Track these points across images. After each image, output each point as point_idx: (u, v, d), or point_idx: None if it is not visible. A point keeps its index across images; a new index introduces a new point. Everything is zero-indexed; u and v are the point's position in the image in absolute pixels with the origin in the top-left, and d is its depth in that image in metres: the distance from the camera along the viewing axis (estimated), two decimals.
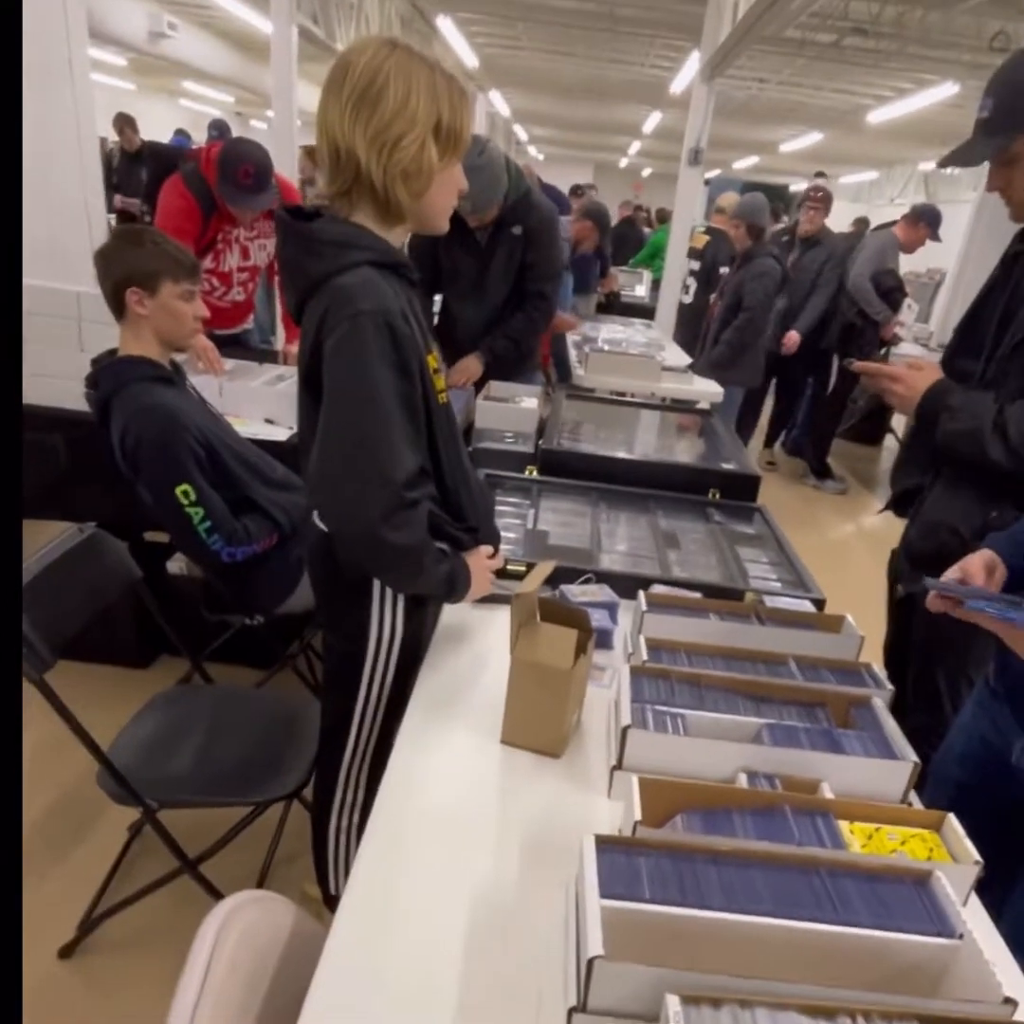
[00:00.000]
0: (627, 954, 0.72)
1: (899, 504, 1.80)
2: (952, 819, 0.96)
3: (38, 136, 3.27)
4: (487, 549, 1.45)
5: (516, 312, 2.86)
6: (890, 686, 1.25)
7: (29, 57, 3.18)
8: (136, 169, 6.91)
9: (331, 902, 1.60)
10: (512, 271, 2.80)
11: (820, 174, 6.55)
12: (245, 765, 1.64)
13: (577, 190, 7.93)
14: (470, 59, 9.34)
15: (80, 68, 3.47)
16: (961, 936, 0.79)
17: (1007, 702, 1.21)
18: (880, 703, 1.19)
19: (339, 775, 1.48)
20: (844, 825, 0.96)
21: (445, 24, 7.94)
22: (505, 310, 2.84)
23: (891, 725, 1.15)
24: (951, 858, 0.94)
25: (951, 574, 1.13)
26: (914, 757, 1.08)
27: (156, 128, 10.15)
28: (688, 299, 5.53)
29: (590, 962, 0.71)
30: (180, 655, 1.98)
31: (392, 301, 1.16)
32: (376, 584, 1.34)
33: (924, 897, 0.84)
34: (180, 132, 9.27)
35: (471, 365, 2.84)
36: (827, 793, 1.03)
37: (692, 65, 6.27)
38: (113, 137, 7.19)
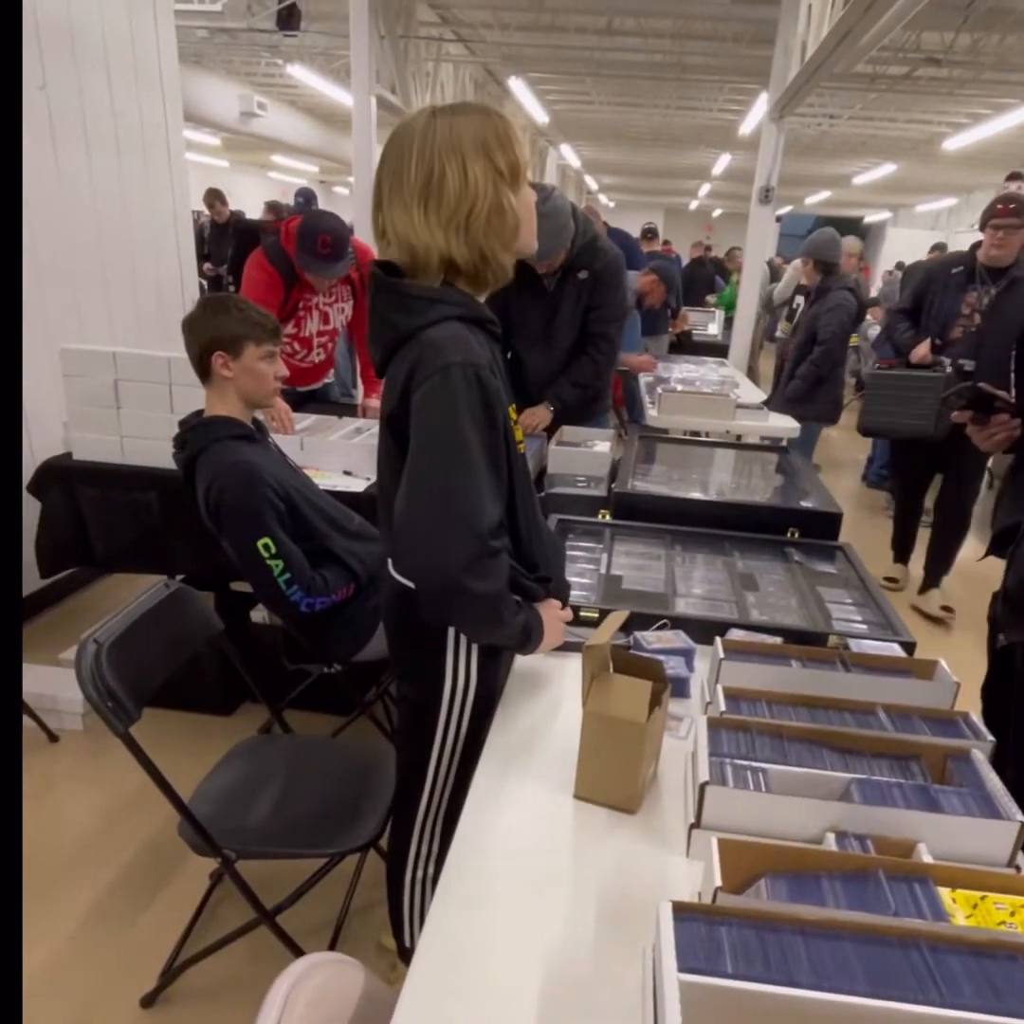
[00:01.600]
0: None
1: (999, 544, 1.70)
2: None
3: (138, 215, 3.51)
4: (557, 602, 1.43)
5: (578, 357, 2.88)
6: (990, 737, 1.16)
7: (129, 139, 3.43)
8: (224, 239, 7.34)
9: (406, 955, 1.58)
10: (579, 316, 2.84)
11: (1015, 176, 4.87)
12: (322, 815, 1.64)
13: (649, 233, 7.99)
14: (541, 116, 9.62)
15: (176, 149, 3.73)
16: None
17: None
18: (980, 756, 1.11)
19: (414, 826, 1.47)
20: (945, 893, 0.89)
21: (517, 85, 8.22)
22: (572, 355, 2.86)
23: (994, 780, 1.06)
24: None
25: None
26: (1021, 816, 1.00)
27: (246, 199, 10.78)
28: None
29: None
30: (261, 703, 2.01)
31: (480, 354, 1.19)
32: (450, 634, 1.34)
33: None
34: (272, 204, 9.80)
35: (540, 414, 2.86)
36: (925, 856, 0.96)
37: (760, 107, 6.30)
38: (205, 210, 7.66)
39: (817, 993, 0.73)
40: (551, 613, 1.39)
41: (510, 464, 1.27)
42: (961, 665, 1.39)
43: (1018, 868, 1.01)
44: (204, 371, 1.93)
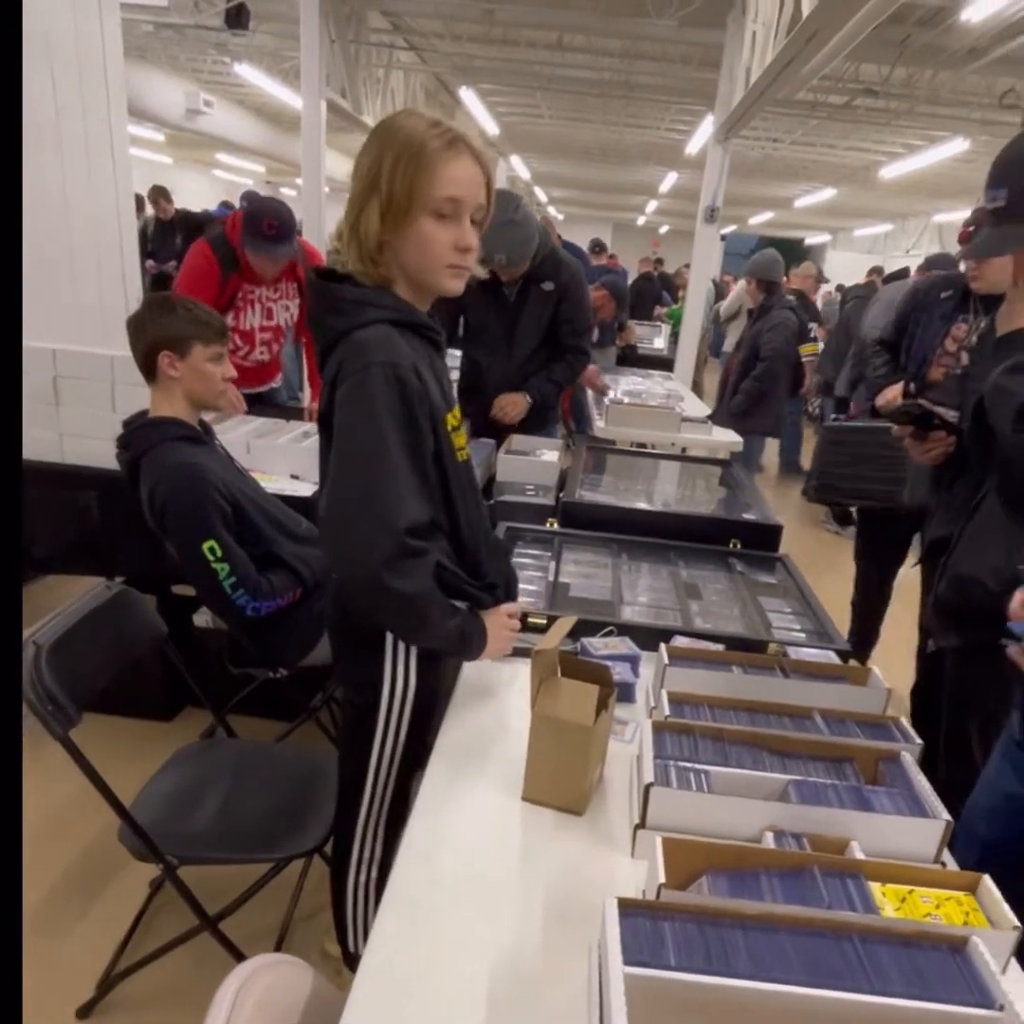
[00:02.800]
0: None
1: (931, 554, 1.78)
2: (988, 881, 0.93)
3: (80, 209, 3.43)
4: (508, 607, 1.44)
5: (556, 362, 2.92)
6: (919, 740, 1.22)
7: (72, 134, 3.35)
8: (170, 237, 7.19)
9: (351, 960, 1.57)
10: (543, 326, 2.87)
11: None
12: (266, 821, 1.63)
13: (597, 247, 8.11)
14: (491, 127, 9.67)
15: (120, 144, 3.65)
16: (1002, 1007, 0.76)
17: None
18: (909, 758, 1.16)
19: (356, 831, 1.46)
20: (876, 887, 0.93)
21: (468, 96, 8.26)
22: (533, 363, 2.89)
23: (922, 781, 1.12)
24: (988, 923, 0.90)
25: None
26: (946, 815, 1.05)
27: (191, 199, 10.58)
28: None
29: None
30: (205, 707, 1.98)
31: (405, 356, 1.20)
32: (389, 637, 1.34)
33: (961, 965, 0.81)
34: (225, 204, 9.67)
35: (519, 399, 2.88)
36: (857, 853, 1.00)
37: (706, 128, 6.45)
38: (148, 208, 7.50)
39: (755, 983, 0.76)
40: (497, 620, 1.40)
41: (444, 469, 1.28)
42: (893, 671, 1.45)
43: (943, 864, 1.06)
44: (149, 371, 1.89)
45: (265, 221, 2.76)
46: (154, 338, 1.85)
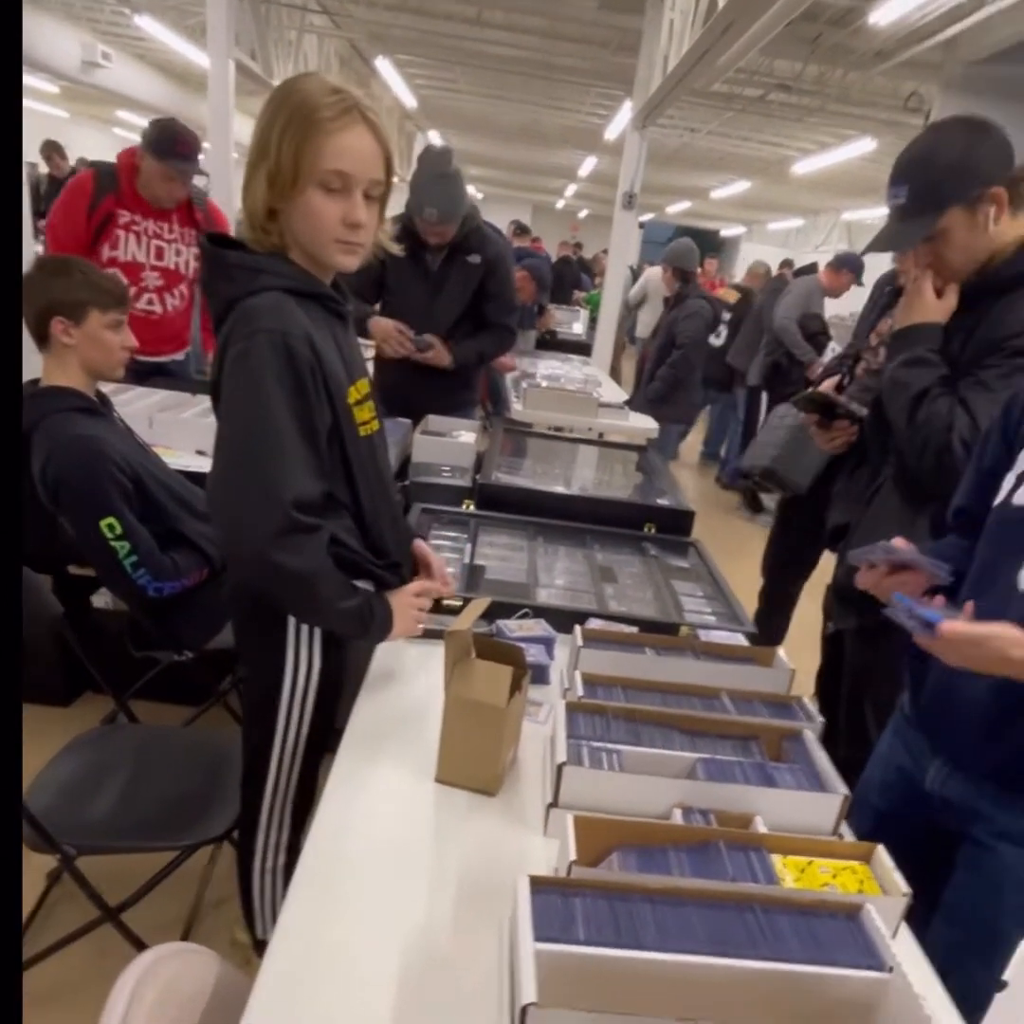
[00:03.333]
0: (562, 999, 0.71)
1: (832, 539, 1.85)
2: (881, 851, 0.98)
3: None
4: (414, 587, 1.42)
5: (483, 333, 2.87)
6: (820, 718, 1.27)
7: None
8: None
9: (261, 947, 1.54)
10: (466, 299, 2.81)
11: None
12: (171, 807, 1.57)
13: (520, 229, 8.09)
14: (409, 100, 9.51)
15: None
16: (891, 969, 0.80)
17: (919, 727, 1.25)
18: (811, 736, 1.21)
19: (260, 816, 1.43)
20: (777, 859, 0.96)
21: (383, 65, 8.07)
22: (454, 338, 2.83)
23: (822, 757, 1.16)
24: (881, 890, 0.95)
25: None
26: (844, 789, 1.10)
27: (88, 153, 9.97)
28: (718, 342, 5.99)
29: (524, 1010, 0.69)
30: (105, 693, 1.90)
31: (296, 324, 1.16)
32: (291, 618, 1.31)
33: (855, 930, 0.85)
34: None
35: (442, 353, 2.79)
36: (761, 827, 1.04)
37: (625, 113, 6.50)
38: (40, 164, 7.05)
39: (662, 954, 0.78)
40: (404, 600, 1.38)
41: (344, 445, 1.25)
42: (797, 653, 1.50)
43: (841, 836, 1.11)
44: (41, 337, 1.78)
45: (180, 136, 2.72)
46: (46, 302, 1.74)
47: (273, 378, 1.13)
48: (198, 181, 3.03)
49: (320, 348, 1.19)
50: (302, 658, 1.33)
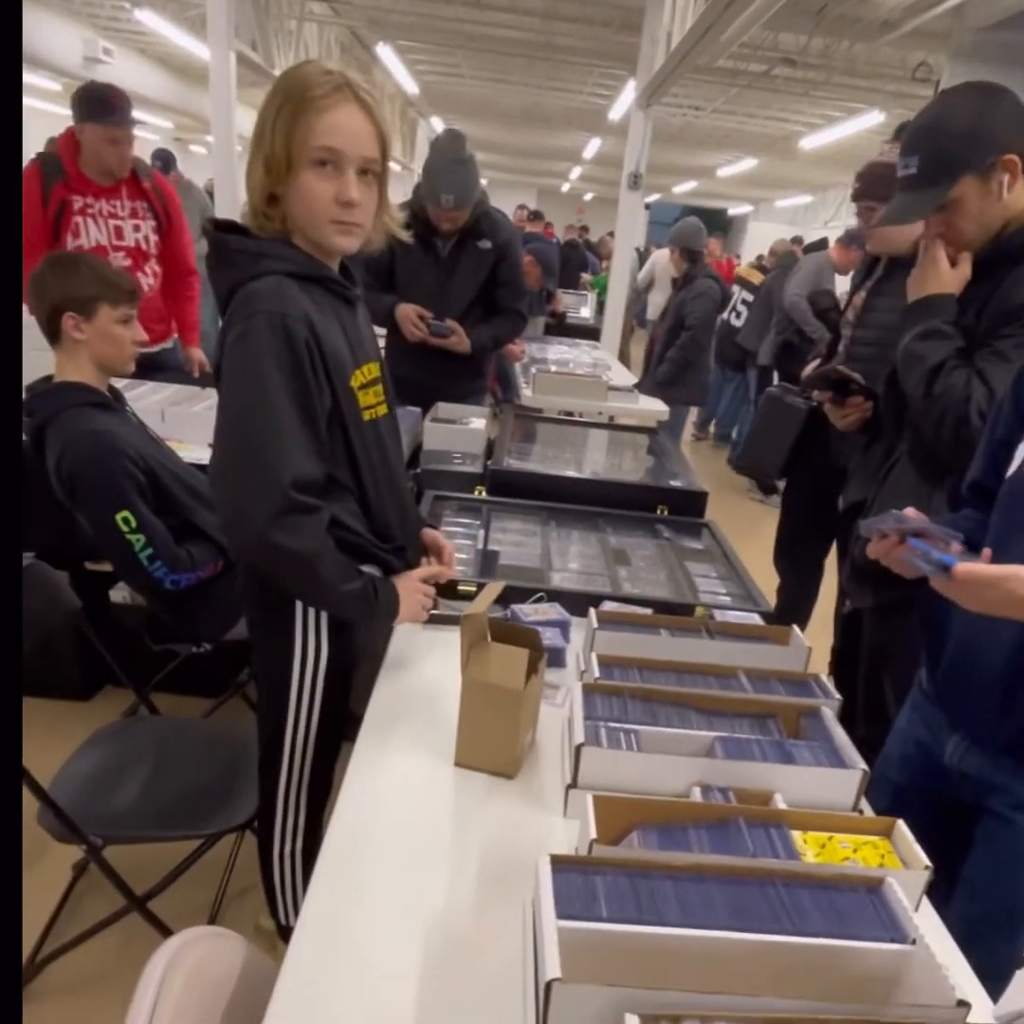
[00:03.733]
0: (585, 975, 0.71)
1: (848, 518, 1.84)
2: (901, 825, 0.98)
3: None
4: (420, 572, 1.43)
5: (496, 317, 2.87)
6: (837, 696, 1.27)
7: None
8: None
9: (285, 933, 1.56)
10: (477, 284, 2.81)
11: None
12: (193, 797, 1.59)
13: (533, 215, 8.08)
14: (410, 86, 9.44)
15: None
16: (914, 941, 0.80)
17: (937, 703, 1.24)
18: (828, 713, 1.21)
19: (277, 802, 1.45)
20: (797, 835, 0.97)
21: (385, 52, 8.01)
22: (466, 323, 2.83)
23: (840, 734, 1.16)
24: (902, 864, 0.95)
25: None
26: (863, 765, 1.10)
27: None
28: (738, 323, 6.17)
29: (548, 985, 0.70)
30: (125, 686, 1.92)
31: (295, 306, 1.17)
32: (299, 604, 1.33)
33: (877, 904, 0.85)
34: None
35: (462, 338, 2.78)
36: (780, 804, 1.04)
37: (629, 93, 6.44)
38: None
39: (683, 930, 0.78)
40: (409, 585, 1.39)
41: (346, 429, 1.26)
42: (813, 632, 1.50)
43: (861, 811, 1.11)
44: (53, 334, 1.80)
45: (109, 93, 2.75)
46: (57, 299, 1.75)
47: (271, 359, 1.14)
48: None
49: (321, 330, 1.19)
50: (310, 644, 1.35)
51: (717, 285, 4.60)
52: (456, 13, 7.05)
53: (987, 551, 1.00)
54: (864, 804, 1.13)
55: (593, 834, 0.90)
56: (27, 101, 3.61)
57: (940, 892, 1.02)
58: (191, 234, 3.12)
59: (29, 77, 8.56)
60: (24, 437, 1.80)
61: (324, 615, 1.34)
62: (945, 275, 1.48)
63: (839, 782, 1.10)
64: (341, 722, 1.43)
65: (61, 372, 1.82)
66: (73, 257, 1.82)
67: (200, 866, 1.63)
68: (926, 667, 1.29)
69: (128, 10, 7.74)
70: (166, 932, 1.61)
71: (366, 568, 1.32)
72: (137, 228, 2.95)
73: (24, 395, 1.81)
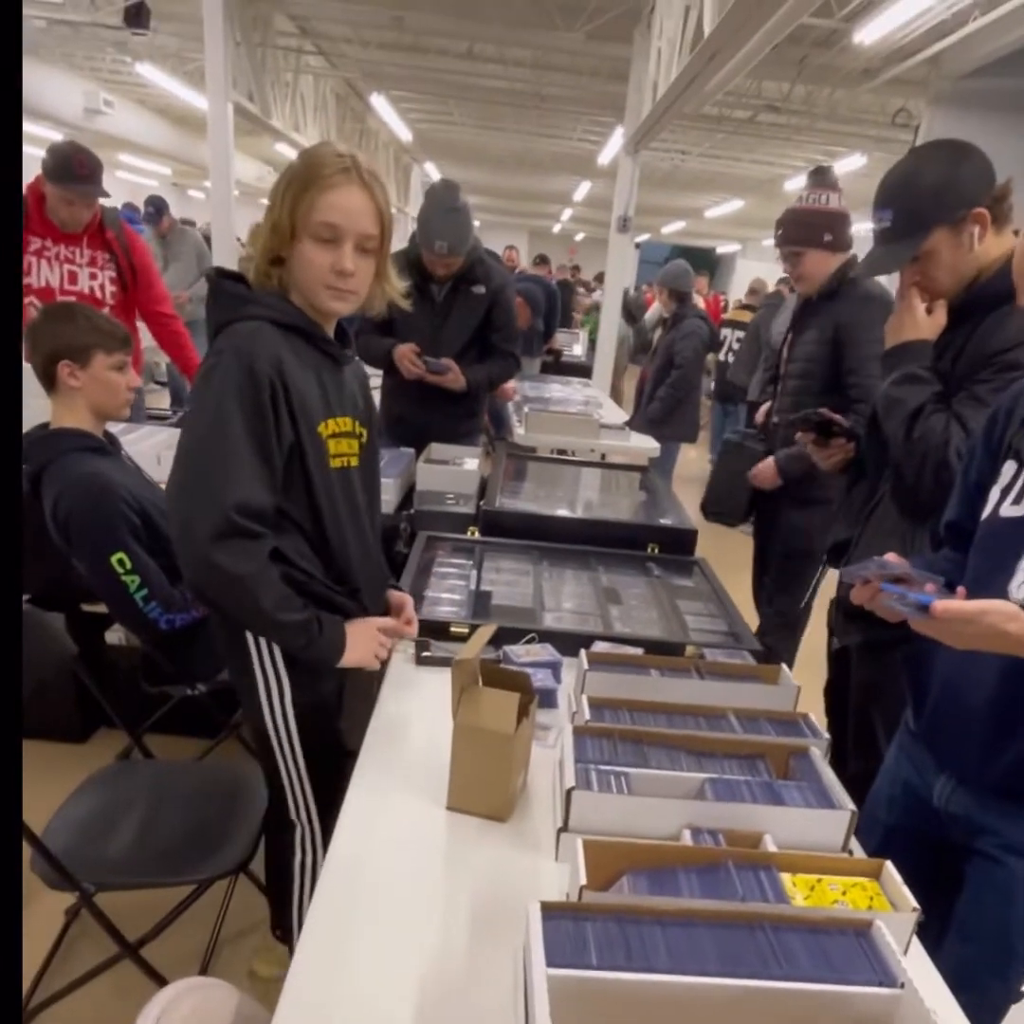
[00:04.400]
0: (575, 1023, 0.71)
1: (834, 556, 1.86)
2: (890, 867, 0.98)
3: None
4: (381, 621, 1.43)
5: (490, 359, 2.91)
6: (826, 735, 1.27)
7: None
8: None
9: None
10: (471, 327, 2.86)
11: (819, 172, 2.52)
12: (187, 842, 1.58)
13: (539, 259, 8.26)
14: (404, 133, 9.66)
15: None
16: (903, 985, 0.81)
17: (924, 743, 1.25)
18: (817, 753, 1.22)
19: (289, 815, 1.50)
20: (786, 877, 0.97)
21: (379, 102, 8.21)
22: (461, 361, 2.86)
23: (828, 774, 1.17)
24: (891, 906, 0.95)
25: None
26: (851, 806, 1.11)
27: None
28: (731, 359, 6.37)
29: None
30: (120, 728, 1.91)
31: (266, 347, 1.24)
32: (250, 635, 1.36)
33: (866, 947, 0.86)
34: (129, 205, 9.30)
35: (458, 374, 2.81)
36: (770, 846, 1.04)
37: (617, 139, 6.59)
38: None
39: (673, 977, 0.78)
40: (367, 630, 1.39)
41: (308, 469, 1.30)
42: (802, 669, 1.51)
43: (850, 852, 1.11)
44: (49, 381, 1.83)
45: (75, 159, 2.78)
46: (53, 347, 1.79)
47: (232, 391, 1.20)
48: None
49: (290, 374, 1.26)
50: (270, 677, 1.38)
51: (705, 324, 4.69)
52: (448, 65, 7.25)
53: (961, 589, 1.02)
54: (855, 844, 1.13)
55: (583, 880, 0.90)
56: (28, 149, 3.67)
57: (931, 932, 1.02)
58: (186, 276, 3.14)
59: (32, 128, 8.73)
60: (22, 483, 1.82)
61: (277, 649, 1.37)
62: (921, 322, 1.52)
63: (828, 823, 1.10)
64: (333, 756, 1.46)
65: (58, 419, 1.85)
66: (68, 307, 1.86)
67: (192, 911, 1.61)
68: (912, 708, 1.30)
69: (129, 64, 7.94)
70: (159, 979, 1.60)
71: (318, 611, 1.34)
72: (94, 276, 3.01)
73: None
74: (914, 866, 0.99)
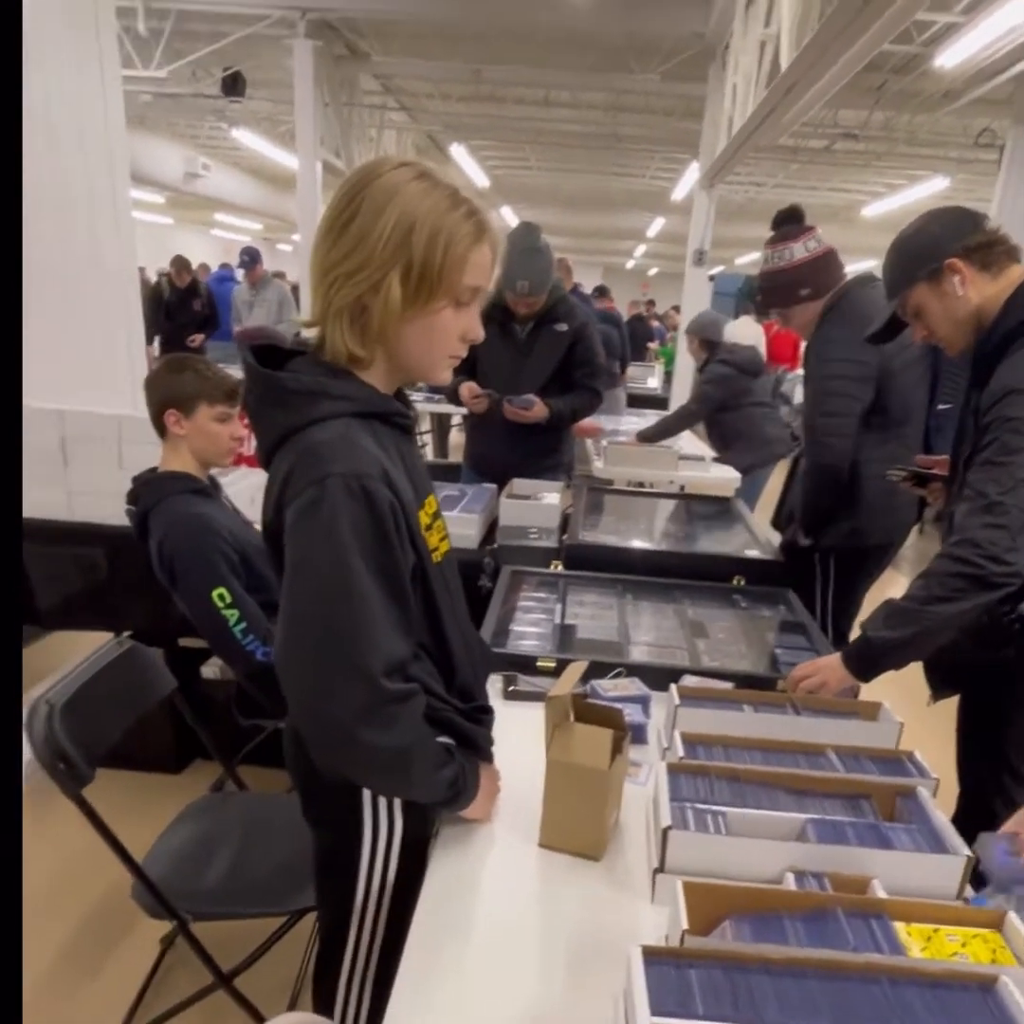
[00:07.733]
0: None
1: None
2: (1013, 917, 0.92)
3: (86, 272, 3.49)
4: (495, 768, 1.29)
5: (574, 392, 2.94)
6: (935, 775, 1.21)
7: (78, 198, 3.44)
8: (187, 300, 7.36)
9: None
10: (553, 364, 2.90)
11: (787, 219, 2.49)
12: (278, 873, 1.61)
13: (598, 292, 8.30)
14: (481, 180, 9.92)
15: (123, 209, 3.75)
16: None
17: None
18: (925, 793, 1.16)
19: (337, 993, 1.23)
20: (900, 926, 0.92)
21: (458, 151, 8.48)
22: (542, 398, 2.89)
23: (939, 817, 1.11)
24: (1016, 960, 0.89)
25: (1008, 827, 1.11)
26: (966, 851, 1.05)
27: (191, 255, 10.86)
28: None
29: None
30: (214, 760, 1.97)
31: (371, 461, 0.99)
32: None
33: (992, 1004, 0.80)
34: (225, 265, 9.93)
35: (539, 409, 2.84)
36: (879, 891, 0.99)
37: (691, 174, 6.62)
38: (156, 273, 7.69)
39: None
40: (488, 783, 1.24)
41: (426, 580, 1.09)
42: (905, 703, 1.45)
43: (966, 900, 1.05)
44: (160, 428, 1.95)
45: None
46: (162, 397, 1.91)
47: (350, 530, 0.96)
48: None
49: (395, 480, 1.01)
50: (383, 821, 1.16)
51: (724, 366, 4.56)
52: (525, 113, 7.46)
53: None
54: (970, 892, 1.07)
55: (684, 924, 0.88)
56: (136, 214, 3.94)
57: None
58: (267, 320, 3.17)
59: (137, 192, 9.39)
60: (130, 524, 1.92)
61: (397, 801, 1.17)
62: (832, 678, 1.50)
63: (942, 868, 1.04)
64: (415, 902, 1.11)
65: (165, 463, 1.96)
66: (182, 359, 1.98)
67: (283, 941, 1.64)
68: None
69: (225, 129, 8.45)
70: (251, 1010, 1.62)
71: (442, 739, 1.14)
72: None
73: (126, 486, 1.94)
74: None
